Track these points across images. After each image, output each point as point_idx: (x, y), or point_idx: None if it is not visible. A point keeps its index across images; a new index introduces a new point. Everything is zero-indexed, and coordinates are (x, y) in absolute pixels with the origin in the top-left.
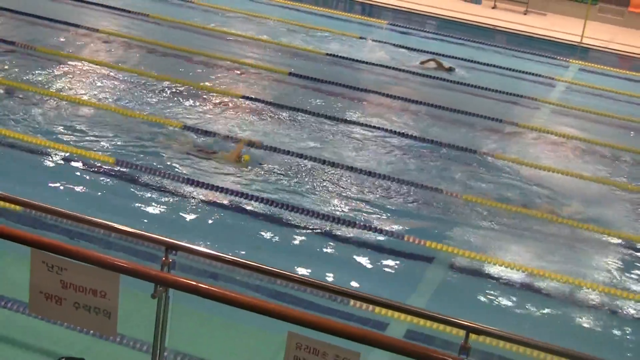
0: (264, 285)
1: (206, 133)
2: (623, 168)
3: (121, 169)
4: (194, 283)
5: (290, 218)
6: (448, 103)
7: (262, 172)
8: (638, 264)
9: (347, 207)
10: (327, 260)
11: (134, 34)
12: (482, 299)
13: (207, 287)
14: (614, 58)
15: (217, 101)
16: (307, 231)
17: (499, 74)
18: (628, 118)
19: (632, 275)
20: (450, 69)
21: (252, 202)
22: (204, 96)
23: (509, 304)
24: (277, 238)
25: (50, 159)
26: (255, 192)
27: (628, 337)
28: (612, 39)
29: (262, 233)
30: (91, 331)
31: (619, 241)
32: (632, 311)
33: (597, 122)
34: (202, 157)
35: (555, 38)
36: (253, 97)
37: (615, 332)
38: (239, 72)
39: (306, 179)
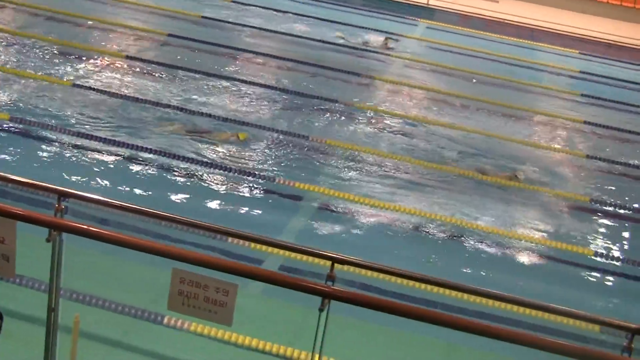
0: (150, 227)
1: (95, 90)
2: (462, 112)
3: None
4: (85, 227)
5: (178, 167)
6: (311, 59)
7: (142, 122)
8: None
9: (223, 154)
10: (204, 201)
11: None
12: (346, 232)
13: (97, 229)
14: (456, 17)
15: (104, 61)
16: (189, 177)
17: (356, 33)
18: (467, 69)
19: (467, 204)
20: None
21: (141, 153)
22: (92, 57)
23: (369, 235)
24: (165, 190)
25: None
26: (144, 144)
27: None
28: (454, 0)
29: (148, 180)
30: None
31: (460, 174)
32: (473, 240)
33: (442, 73)
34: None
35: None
36: (137, 56)
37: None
38: (123, 33)
39: (193, 129)
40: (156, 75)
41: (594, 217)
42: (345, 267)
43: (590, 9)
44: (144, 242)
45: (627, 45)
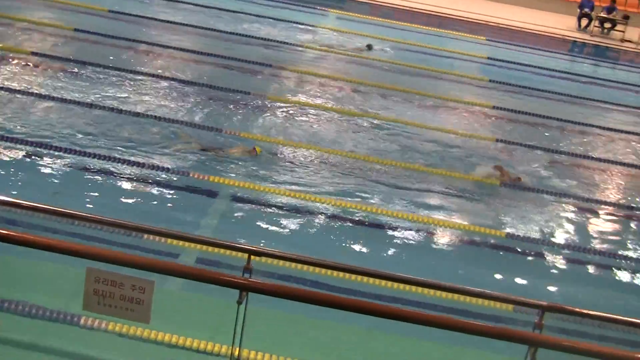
0: (61, 227)
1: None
2: (375, 100)
3: None
4: None
5: (87, 165)
6: (224, 52)
7: (47, 120)
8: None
9: (138, 150)
10: (120, 197)
11: None
12: (262, 224)
13: (5, 232)
14: (366, 7)
15: (7, 58)
16: (110, 175)
17: (269, 24)
18: (378, 58)
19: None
20: (369, 47)
21: (50, 150)
22: None
23: (285, 226)
24: (75, 184)
25: None
26: (51, 142)
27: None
28: None
29: (60, 179)
30: None
31: (374, 162)
32: (388, 226)
33: (354, 62)
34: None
35: None
36: (42, 52)
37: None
38: (27, 29)
39: (106, 126)
40: (63, 70)
41: (504, 199)
42: (263, 259)
43: None
44: (56, 242)
45: (532, 31)
